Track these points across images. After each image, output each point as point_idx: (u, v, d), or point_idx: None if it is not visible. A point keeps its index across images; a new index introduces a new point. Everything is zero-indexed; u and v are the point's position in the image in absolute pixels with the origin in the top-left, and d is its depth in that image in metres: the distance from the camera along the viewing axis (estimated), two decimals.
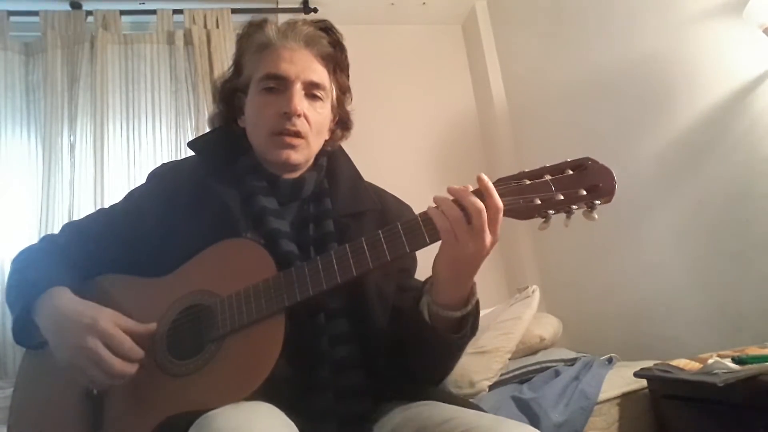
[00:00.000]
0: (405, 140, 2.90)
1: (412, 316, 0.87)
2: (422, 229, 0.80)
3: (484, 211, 0.76)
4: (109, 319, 0.84)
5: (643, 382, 1.59)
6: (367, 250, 0.81)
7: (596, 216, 0.78)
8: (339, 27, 1.04)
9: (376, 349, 0.94)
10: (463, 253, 0.78)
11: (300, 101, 0.96)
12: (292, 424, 0.74)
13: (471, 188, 0.79)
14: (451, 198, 0.78)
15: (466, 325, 0.86)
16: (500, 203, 0.77)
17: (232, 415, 0.69)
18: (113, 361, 0.82)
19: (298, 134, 0.96)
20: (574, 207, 0.78)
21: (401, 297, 0.99)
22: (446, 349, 0.89)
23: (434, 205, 0.80)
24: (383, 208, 1.04)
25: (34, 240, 1.07)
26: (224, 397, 0.74)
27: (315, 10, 2.76)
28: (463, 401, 0.91)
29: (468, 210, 0.76)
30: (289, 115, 0.95)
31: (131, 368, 0.83)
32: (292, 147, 0.97)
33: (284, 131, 0.96)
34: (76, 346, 0.82)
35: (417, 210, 1.09)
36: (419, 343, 0.88)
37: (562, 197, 0.77)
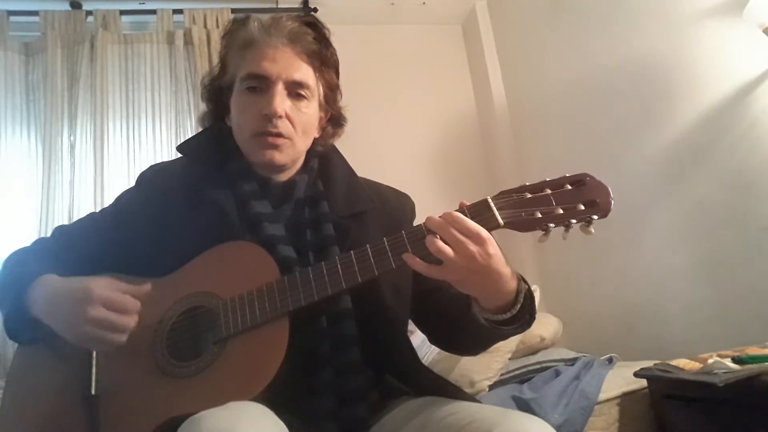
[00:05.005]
0: (405, 140, 2.90)
1: (469, 323, 0.86)
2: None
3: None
4: (101, 285, 0.84)
5: (643, 382, 1.59)
6: (372, 257, 0.81)
7: (592, 230, 0.80)
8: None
9: (387, 349, 0.93)
10: (466, 270, 0.76)
11: (282, 102, 0.94)
12: (282, 424, 0.73)
13: (467, 203, 0.80)
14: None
15: (523, 315, 0.85)
16: (484, 234, 0.76)
17: (221, 416, 0.68)
18: (121, 319, 0.82)
19: (280, 135, 0.95)
20: (573, 221, 0.80)
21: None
22: (505, 339, 0.90)
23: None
24: (383, 205, 1.03)
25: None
26: (228, 400, 0.74)
27: (315, 10, 2.75)
28: (469, 396, 0.91)
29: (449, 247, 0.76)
30: (269, 116, 0.93)
31: (135, 319, 0.84)
32: (275, 147, 0.95)
33: (266, 132, 0.94)
34: (83, 321, 0.82)
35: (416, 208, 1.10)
36: (478, 339, 0.93)
37: (561, 211, 0.79)
